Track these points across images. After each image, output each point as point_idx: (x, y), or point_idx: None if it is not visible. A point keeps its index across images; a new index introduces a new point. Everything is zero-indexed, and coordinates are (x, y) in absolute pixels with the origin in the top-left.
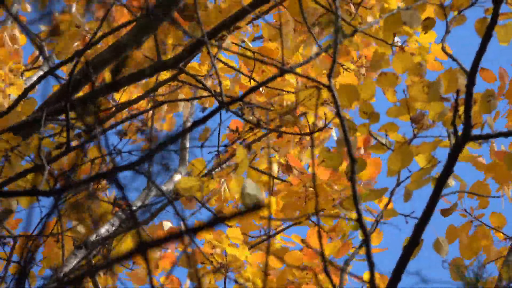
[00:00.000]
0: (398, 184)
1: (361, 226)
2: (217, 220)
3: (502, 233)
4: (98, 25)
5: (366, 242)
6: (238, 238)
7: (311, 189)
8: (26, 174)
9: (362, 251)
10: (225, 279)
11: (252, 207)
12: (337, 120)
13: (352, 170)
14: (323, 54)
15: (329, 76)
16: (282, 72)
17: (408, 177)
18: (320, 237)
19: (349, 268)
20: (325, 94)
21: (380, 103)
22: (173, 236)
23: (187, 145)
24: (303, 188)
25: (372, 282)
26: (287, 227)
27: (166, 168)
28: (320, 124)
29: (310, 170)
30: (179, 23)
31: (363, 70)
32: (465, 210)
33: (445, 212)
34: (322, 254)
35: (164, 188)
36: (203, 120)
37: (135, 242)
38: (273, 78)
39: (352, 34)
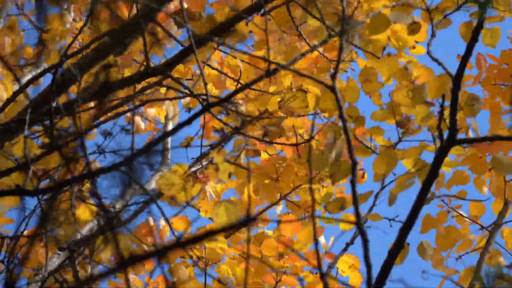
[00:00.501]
0: (382, 188)
1: (359, 229)
2: (204, 235)
3: (478, 223)
4: (82, 25)
5: (364, 246)
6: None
7: (282, 168)
8: (9, 173)
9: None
10: (205, 273)
11: (240, 222)
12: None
13: (353, 172)
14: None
15: (333, 76)
16: (269, 72)
17: (392, 181)
18: (316, 245)
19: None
20: (310, 98)
21: (366, 107)
22: (154, 253)
23: (169, 145)
24: (273, 168)
25: (369, 284)
26: (265, 209)
27: (150, 167)
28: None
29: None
30: (165, 28)
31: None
32: (443, 201)
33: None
34: (319, 268)
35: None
36: (188, 121)
37: (116, 259)
38: (260, 78)
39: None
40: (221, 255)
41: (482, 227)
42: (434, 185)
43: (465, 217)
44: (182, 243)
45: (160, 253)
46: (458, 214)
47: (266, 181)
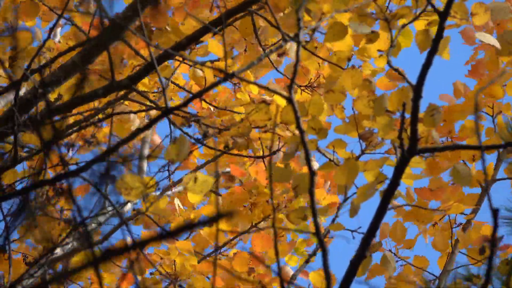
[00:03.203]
0: (345, 199)
1: (318, 240)
2: (166, 234)
3: (429, 272)
4: (46, 38)
5: (323, 255)
6: (187, 249)
7: (255, 196)
8: None
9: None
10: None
11: (198, 222)
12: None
13: (311, 183)
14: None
15: (290, 87)
16: (226, 77)
17: (354, 193)
18: (277, 254)
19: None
20: (273, 109)
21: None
22: (122, 250)
23: (145, 155)
24: (247, 195)
25: None
26: (234, 237)
27: (112, 179)
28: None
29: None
30: (131, 44)
31: (320, 91)
32: (390, 251)
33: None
34: (279, 274)
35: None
36: (146, 127)
37: (87, 256)
38: (217, 83)
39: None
40: (190, 272)
41: (435, 277)
42: (378, 235)
43: (414, 266)
44: (144, 241)
45: (126, 250)
46: (406, 263)
47: (239, 208)
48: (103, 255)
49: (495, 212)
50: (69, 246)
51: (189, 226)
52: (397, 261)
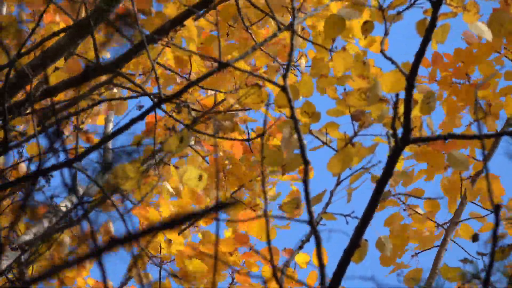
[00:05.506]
0: (337, 184)
1: (313, 229)
2: (169, 224)
3: (436, 223)
4: (35, 25)
5: (317, 244)
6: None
7: (230, 166)
8: None
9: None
10: (160, 270)
11: (199, 212)
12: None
13: (305, 172)
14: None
15: (285, 76)
16: (221, 66)
17: (346, 177)
18: (269, 242)
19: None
20: (264, 93)
21: (320, 102)
22: (125, 239)
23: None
24: (221, 167)
25: (322, 284)
26: (210, 209)
27: (106, 165)
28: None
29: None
30: (117, 26)
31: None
32: (399, 199)
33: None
34: (272, 264)
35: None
36: (139, 117)
37: (89, 247)
38: (211, 73)
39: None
40: (174, 252)
41: (438, 225)
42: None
43: (421, 214)
44: (147, 231)
45: (129, 239)
46: (414, 212)
47: (215, 180)
48: (107, 245)
49: (496, 208)
50: (44, 225)
51: (190, 217)
52: (404, 210)
